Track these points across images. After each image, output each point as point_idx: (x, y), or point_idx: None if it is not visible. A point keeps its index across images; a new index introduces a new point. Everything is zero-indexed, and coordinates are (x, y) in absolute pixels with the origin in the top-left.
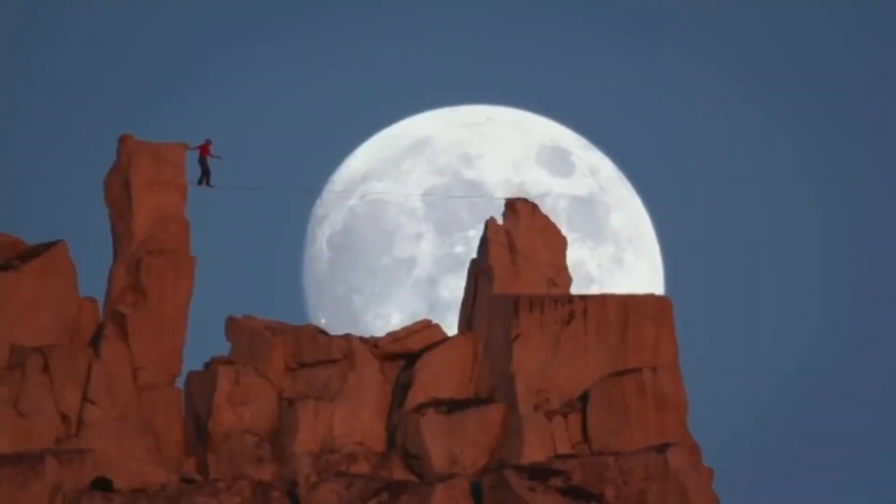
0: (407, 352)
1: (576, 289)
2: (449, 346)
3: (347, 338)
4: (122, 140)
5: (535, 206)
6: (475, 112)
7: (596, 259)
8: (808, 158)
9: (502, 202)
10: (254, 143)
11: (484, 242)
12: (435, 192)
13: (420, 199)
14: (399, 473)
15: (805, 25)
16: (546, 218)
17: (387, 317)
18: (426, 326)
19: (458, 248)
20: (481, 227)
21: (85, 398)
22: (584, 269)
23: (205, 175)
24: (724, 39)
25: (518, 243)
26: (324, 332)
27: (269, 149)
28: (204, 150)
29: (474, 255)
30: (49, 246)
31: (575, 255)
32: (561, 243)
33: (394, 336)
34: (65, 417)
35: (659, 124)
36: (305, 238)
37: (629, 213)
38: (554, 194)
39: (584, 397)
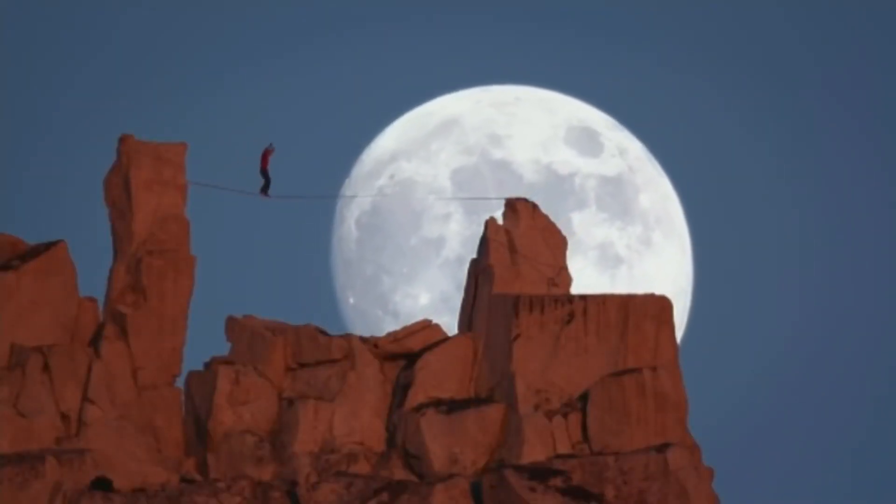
0: (407, 352)
1: (605, 268)
2: (449, 346)
3: (347, 338)
4: (122, 140)
5: (535, 206)
6: (504, 92)
7: (624, 239)
8: (833, 142)
9: (531, 183)
10: (281, 126)
11: (484, 242)
12: (464, 172)
13: (448, 179)
14: (399, 473)
15: (836, 18)
16: (546, 218)
17: (415, 297)
18: (426, 326)
19: None
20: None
21: (85, 398)
22: (613, 249)
23: (266, 184)
24: (753, 21)
25: (518, 243)
26: (324, 332)
27: (298, 130)
28: (265, 160)
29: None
30: (49, 246)
31: (603, 236)
32: (561, 243)
33: (394, 336)
34: (65, 417)
35: (687, 105)
36: (334, 219)
37: (658, 194)
38: (582, 174)
39: (584, 397)
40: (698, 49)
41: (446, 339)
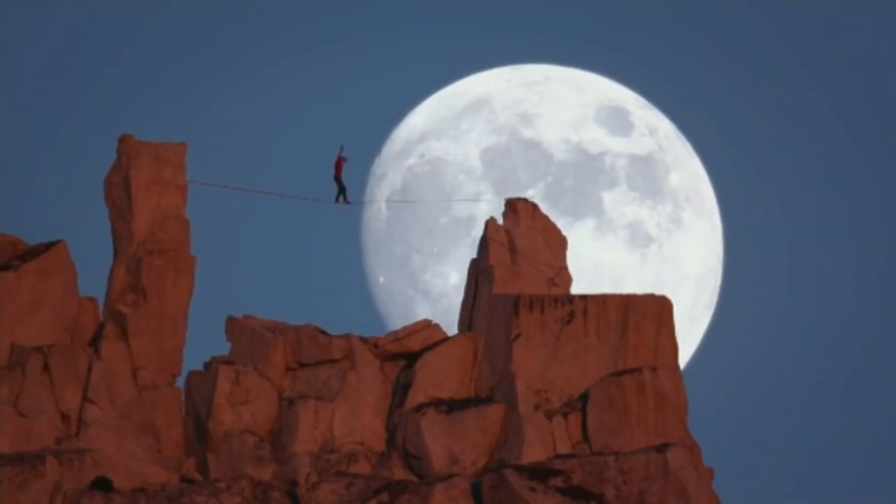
0: (407, 352)
1: (635, 247)
2: (449, 346)
3: (347, 338)
4: (122, 140)
5: (535, 206)
6: (534, 71)
7: (654, 218)
8: (861, 126)
9: (564, 163)
10: (313, 107)
11: (484, 242)
12: (494, 151)
13: (478, 158)
14: (399, 473)
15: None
16: (546, 218)
17: (445, 276)
18: (426, 326)
19: None
20: (541, 185)
21: (85, 398)
22: (643, 228)
23: (341, 191)
24: (783, 2)
25: (518, 243)
26: (324, 332)
27: (329, 110)
28: (338, 167)
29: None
30: (49, 246)
31: (634, 215)
32: (561, 243)
33: (394, 336)
34: (65, 417)
35: (717, 83)
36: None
37: (688, 173)
38: (613, 153)
39: (584, 397)
40: (728, 28)
41: (446, 339)
